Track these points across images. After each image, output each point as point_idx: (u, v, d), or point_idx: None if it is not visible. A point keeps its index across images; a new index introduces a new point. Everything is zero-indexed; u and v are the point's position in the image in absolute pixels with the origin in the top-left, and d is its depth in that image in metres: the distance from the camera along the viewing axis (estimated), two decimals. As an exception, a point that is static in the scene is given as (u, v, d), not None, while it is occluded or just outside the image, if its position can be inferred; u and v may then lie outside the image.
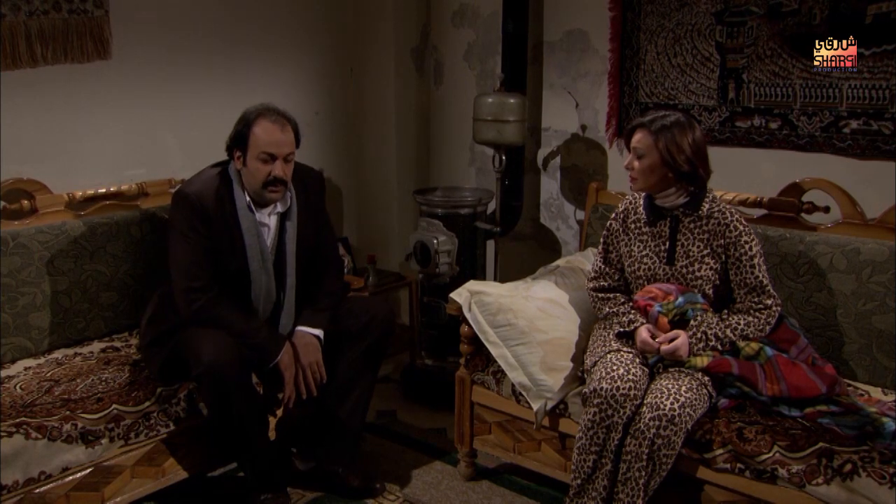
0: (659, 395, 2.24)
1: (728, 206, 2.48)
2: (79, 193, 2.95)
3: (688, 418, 2.22)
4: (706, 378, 2.32)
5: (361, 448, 2.95)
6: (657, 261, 2.51)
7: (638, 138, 2.46)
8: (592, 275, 2.67)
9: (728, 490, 2.27)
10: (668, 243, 2.50)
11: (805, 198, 2.74)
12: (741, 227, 2.43)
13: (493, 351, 2.63)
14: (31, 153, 2.91)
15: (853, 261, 2.57)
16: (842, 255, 2.59)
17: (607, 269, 2.63)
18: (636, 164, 2.46)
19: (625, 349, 2.43)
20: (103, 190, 3.01)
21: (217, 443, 2.63)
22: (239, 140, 2.56)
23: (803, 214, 2.74)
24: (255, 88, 3.51)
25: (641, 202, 2.58)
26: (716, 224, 2.44)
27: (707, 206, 2.46)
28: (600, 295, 2.61)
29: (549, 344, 2.58)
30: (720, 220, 2.44)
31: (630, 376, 2.31)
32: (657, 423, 2.20)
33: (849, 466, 2.06)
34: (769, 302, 2.41)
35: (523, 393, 2.60)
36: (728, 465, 2.23)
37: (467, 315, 2.70)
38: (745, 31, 3.01)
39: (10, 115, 2.83)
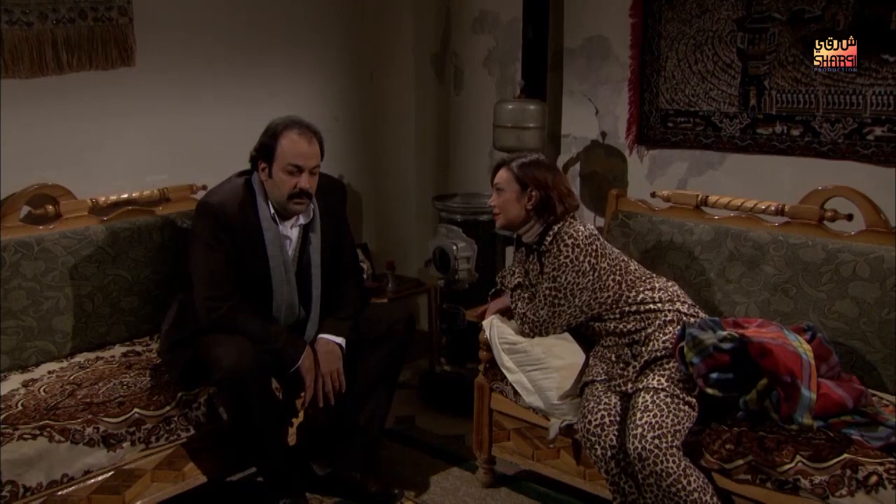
0: (624, 437, 2.27)
1: (572, 239, 2.53)
2: (102, 199, 2.98)
3: (656, 441, 2.19)
4: (676, 390, 2.30)
5: (379, 454, 2.95)
6: None
7: (499, 175, 2.68)
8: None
9: (750, 500, 2.24)
10: (540, 275, 2.64)
11: (828, 205, 2.71)
12: (556, 261, 2.54)
13: (510, 377, 2.65)
14: (55, 159, 2.94)
15: (877, 269, 2.54)
16: (865, 264, 2.56)
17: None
18: (496, 199, 2.66)
19: (598, 380, 2.48)
20: (126, 195, 3.05)
21: (236, 448, 2.64)
22: (265, 151, 2.57)
23: (826, 222, 2.71)
24: (276, 95, 3.54)
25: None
26: (550, 255, 2.57)
27: (549, 239, 2.57)
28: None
29: (565, 369, 2.57)
30: (551, 252, 2.56)
31: (601, 407, 2.37)
32: (639, 465, 2.21)
33: (874, 478, 2.03)
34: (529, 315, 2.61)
35: (538, 411, 2.62)
36: (749, 476, 2.21)
37: (488, 337, 2.73)
38: (766, 38, 2.99)
39: (36, 121, 2.88)
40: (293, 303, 2.65)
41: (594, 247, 2.54)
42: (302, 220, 2.66)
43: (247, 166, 2.67)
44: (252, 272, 2.58)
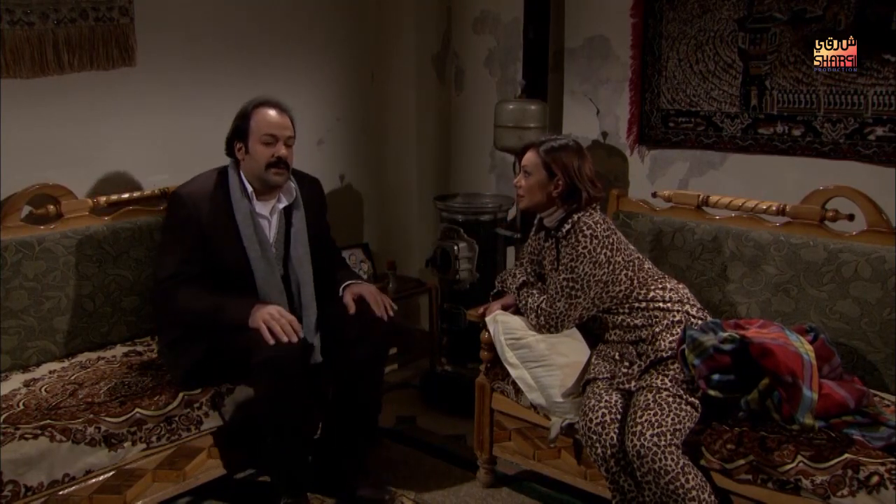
0: (624, 436, 2.27)
1: (591, 230, 2.52)
2: (103, 198, 2.98)
3: (655, 438, 2.20)
4: (679, 391, 2.31)
5: (378, 455, 2.94)
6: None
7: (527, 157, 2.63)
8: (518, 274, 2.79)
9: (751, 500, 2.24)
10: (556, 262, 2.62)
11: (829, 205, 2.71)
12: (573, 251, 2.52)
13: (513, 372, 2.63)
14: (56, 158, 2.94)
15: (878, 269, 2.54)
16: (867, 264, 2.56)
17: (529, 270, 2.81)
18: (523, 181, 2.62)
19: (600, 378, 2.47)
20: (127, 195, 3.05)
21: (240, 446, 2.65)
22: (239, 132, 2.63)
23: (827, 222, 2.71)
24: (278, 95, 3.51)
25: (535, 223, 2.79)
26: (568, 244, 2.56)
27: (567, 227, 2.56)
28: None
29: (569, 367, 2.57)
30: (568, 241, 2.55)
31: (602, 405, 2.36)
32: (637, 463, 2.22)
33: (875, 479, 2.03)
34: (558, 306, 2.56)
35: (540, 411, 2.62)
36: (750, 476, 2.21)
37: (492, 332, 2.72)
38: (768, 38, 2.99)
39: (37, 121, 2.87)
40: (277, 284, 2.63)
41: (611, 239, 2.54)
42: (284, 201, 2.68)
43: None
44: (230, 258, 2.58)
